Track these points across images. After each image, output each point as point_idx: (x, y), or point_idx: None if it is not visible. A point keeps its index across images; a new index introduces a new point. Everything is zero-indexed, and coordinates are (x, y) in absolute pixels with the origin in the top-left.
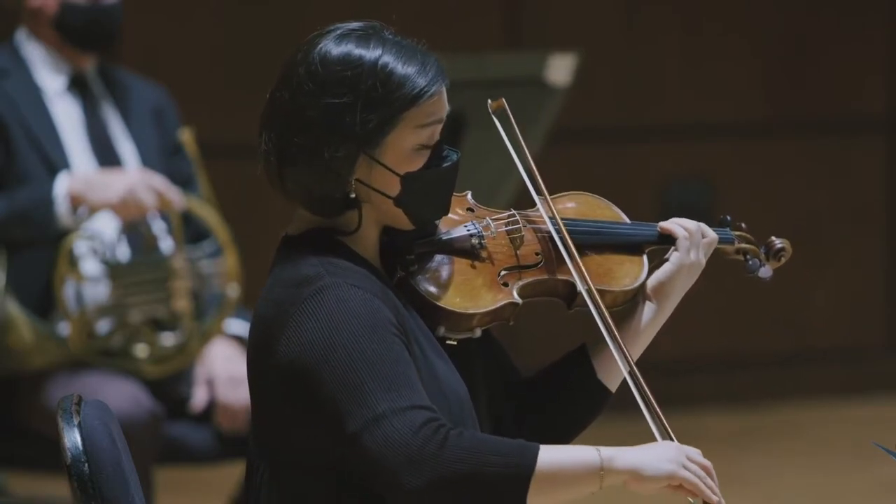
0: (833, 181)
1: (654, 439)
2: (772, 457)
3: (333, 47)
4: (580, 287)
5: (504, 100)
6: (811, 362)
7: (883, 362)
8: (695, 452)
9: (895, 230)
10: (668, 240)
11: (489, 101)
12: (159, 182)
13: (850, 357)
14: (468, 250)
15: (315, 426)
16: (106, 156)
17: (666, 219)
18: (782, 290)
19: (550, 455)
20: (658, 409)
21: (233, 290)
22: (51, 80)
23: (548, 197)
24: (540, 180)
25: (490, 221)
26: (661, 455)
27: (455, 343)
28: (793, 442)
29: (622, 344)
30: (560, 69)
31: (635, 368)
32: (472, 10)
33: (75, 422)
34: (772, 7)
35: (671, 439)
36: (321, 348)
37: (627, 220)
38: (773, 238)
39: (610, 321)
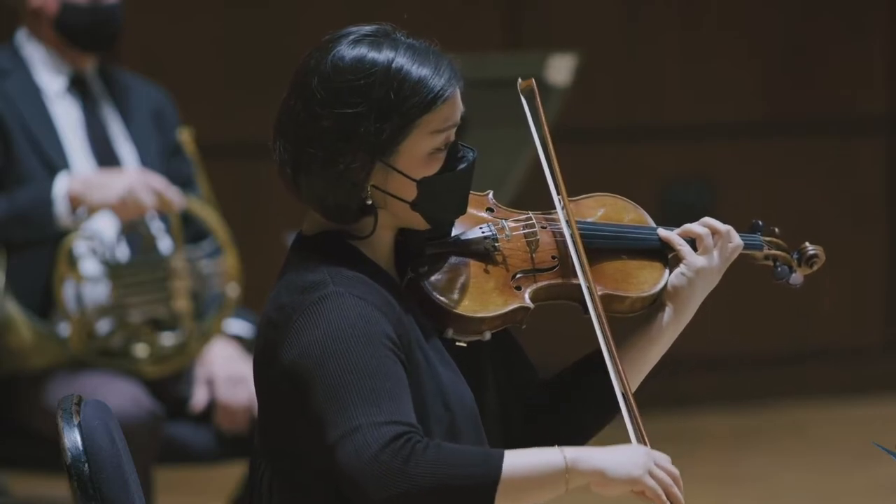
0: (833, 181)
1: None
2: (772, 457)
3: (346, 53)
4: (585, 292)
5: (534, 80)
6: (811, 362)
7: (883, 362)
8: (663, 459)
9: (895, 230)
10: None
11: (519, 79)
12: (158, 182)
13: (850, 357)
14: (482, 252)
15: (311, 429)
16: (105, 156)
17: (666, 219)
18: (782, 290)
19: (515, 461)
20: (637, 412)
21: (232, 290)
22: (51, 81)
23: (566, 198)
24: (561, 180)
25: (506, 223)
26: (628, 459)
27: (464, 345)
28: (793, 442)
29: (615, 353)
30: (560, 69)
31: (624, 376)
32: (472, 10)
33: (75, 422)
34: (772, 7)
35: (644, 444)
36: (315, 356)
37: (652, 224)
38: (807, 244)
39: (607, 330)
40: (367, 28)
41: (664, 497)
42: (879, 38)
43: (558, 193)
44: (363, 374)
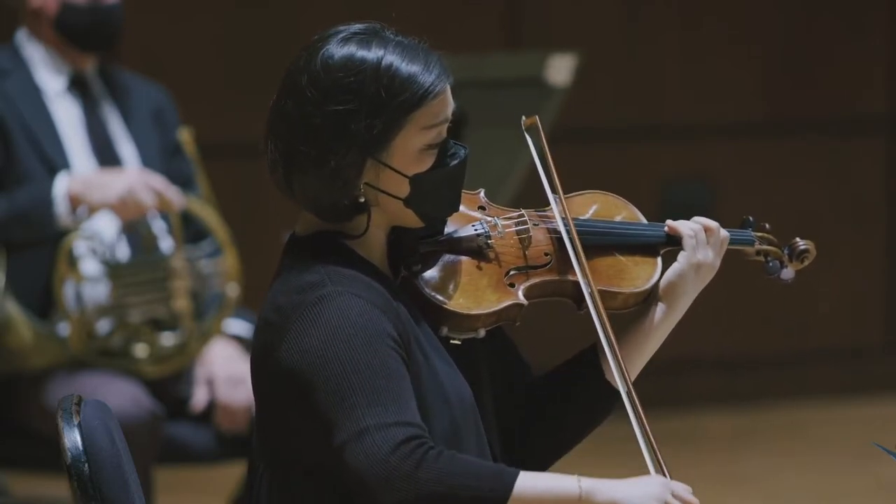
0: (833, 181)
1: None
2: (772, 457)
3: (336, 52)
4: (584, 290)
5: (537, 117)
6: (811, 362)
7: (883, 362)
8: (682, 489)
9: (895, 230)
10: (677, 240)
11: (523, 117)
12: (158, 182)
13: (850, 357)
14: (475, 250)
15: (312, 431)
16: (106, 156)
17: (666, 218)
18: (782, 290)
19: (528, 483)
20: (653, 440)
21: (232, 290)
22: (51, 81)
23: (562, 196)
24: (556, 179)
25: (499, 221)
26: (645, 491)
27: (459, 343)
28: (793, 442)
29: (620, 357)
30: (560, 69)
31: (632, 388)
32: (472, 10)
33: (75, 422)
34: (772, 7)
35: (663, 474)
36: (317, 357)
37: (644, 220)
38: (797, 239)
39: (610, 330)
40: (355, 26)
41: None
42: (879, 38)
43: (553, 192)
44: (367, 374)
